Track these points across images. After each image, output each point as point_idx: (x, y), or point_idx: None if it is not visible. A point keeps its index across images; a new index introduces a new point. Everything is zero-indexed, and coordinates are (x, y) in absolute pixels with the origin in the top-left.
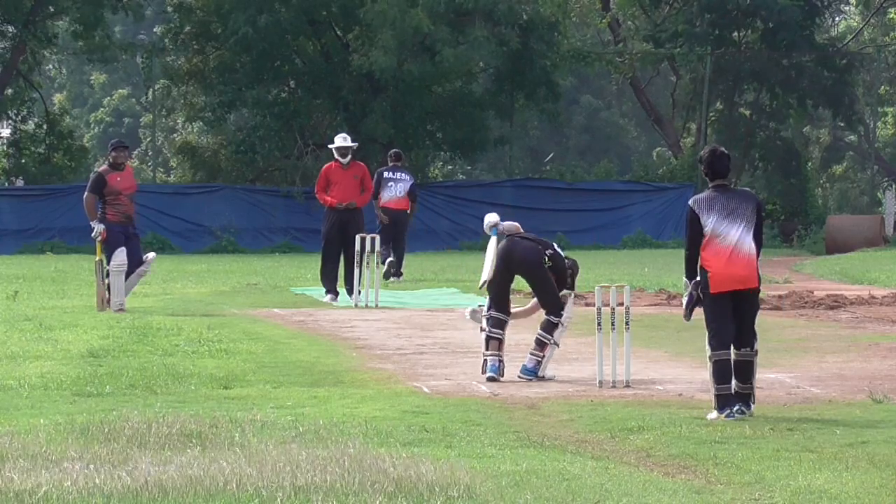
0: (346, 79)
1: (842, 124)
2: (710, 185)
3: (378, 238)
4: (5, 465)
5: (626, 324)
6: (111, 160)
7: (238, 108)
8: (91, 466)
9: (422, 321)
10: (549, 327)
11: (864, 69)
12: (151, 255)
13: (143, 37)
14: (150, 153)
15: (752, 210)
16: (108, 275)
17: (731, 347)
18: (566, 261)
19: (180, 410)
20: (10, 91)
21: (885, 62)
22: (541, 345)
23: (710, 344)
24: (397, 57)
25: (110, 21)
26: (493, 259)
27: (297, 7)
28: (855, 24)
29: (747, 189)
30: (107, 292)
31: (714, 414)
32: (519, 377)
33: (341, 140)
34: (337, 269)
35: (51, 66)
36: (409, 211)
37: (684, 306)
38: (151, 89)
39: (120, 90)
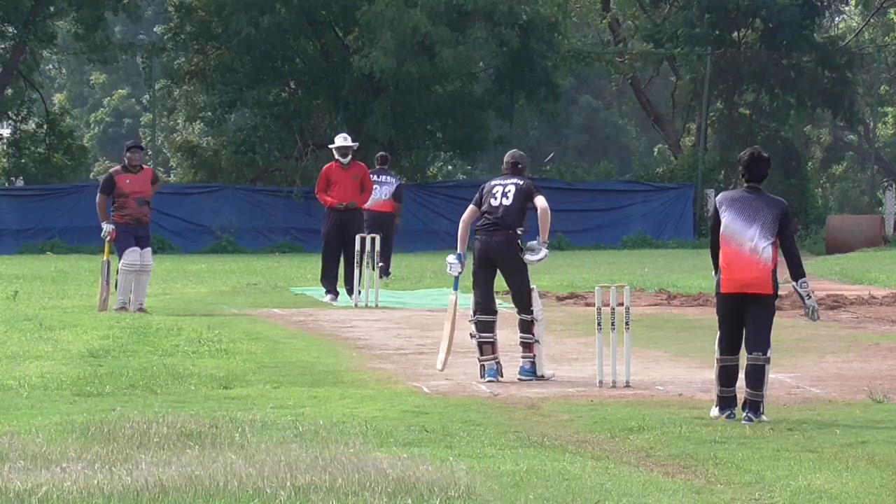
0: (346, 79)
1: (842, 124)
2: (743, 186)
3: (377, 239)
4: (5, 465)
5: (626, 324)
6: (126, 161)
7: (238, 108)
8: (91, 466)
9: (422, 321)
10: (526, 326)
11: (864, 69)
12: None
13: (143, 37)
14: (150, 153)
15: (775, 217)
16: (117, 272)
17: (744, 351)
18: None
19: (180, 410)
20: (10, 91)
21: (885, 62)
22: (527, 346)
23: (718, 346)
24: (397, 58)
25: (110, 21)
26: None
27: (298, 8)
28: (855, 24)
29: (779, 198)
30: (108, 293)
31: (715, 411)
32: (519, 379)
33: (342, 140)
34: (337, 269)
35: (51, 66)
36: (394, 213)
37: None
38: (152, 89)
39: (120, 90)
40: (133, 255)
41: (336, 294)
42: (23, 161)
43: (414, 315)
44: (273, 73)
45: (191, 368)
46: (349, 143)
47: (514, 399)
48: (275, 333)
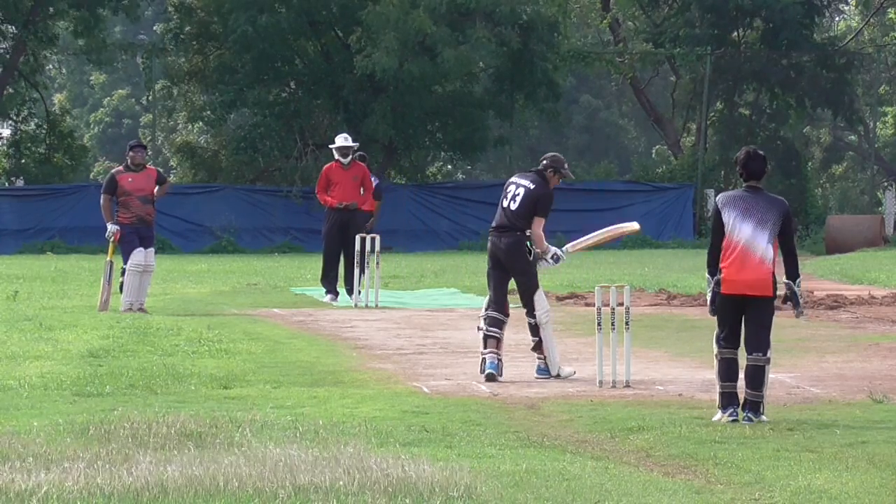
0: (347, 79)
1: (842, 124)
2: (742, 186)
3: (378, 238)
4: (5, 465)
5: (626, 324)
6: (128, 161)
7: (238, 108)
8: (91, 466)
9: (422, 321)
10: (533, 330)
11: (864, 69)
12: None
13: (143, 37)
14: (150, 153)
15: (777, 217)
16: (123, 273)
17: (743, 350)
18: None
19: (180, 410)
20: (10, 91)
21: (885, 62)
22: (537, 347)
23: (717, 342)
24: (399, 58)
25: (110, 21)
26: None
27: (298, 8)
28: (855, 24)
29: (780, 197)
30: (109, 293)
31: (718, 415)
32: (536, 377)
33: (342, 140)
34: (337, 269)
35: (51, 67)
36: (372, 212)
37: (708, 302)
38: (151, 89)
39: (120, 90)
40: (139, 255)
41: (336, 294)
42: (23, 161)
43: (414, 315)
44: (273, 72)
45: (191, 368)
46: (350, 143)
47: (514, 399)
48: (275, 333)
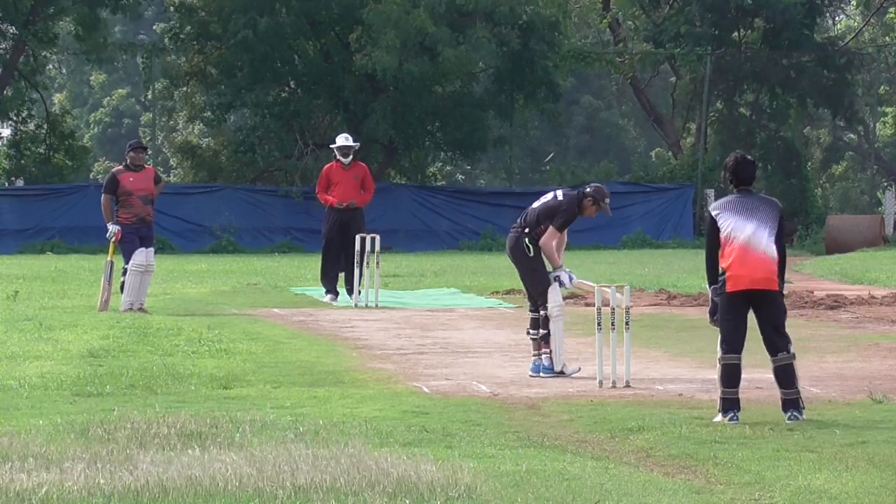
0: (347, 79)
1: (841, 124)
2: (734, 192)
3: (378, 238)
4: (6, 465)
5: (626, 324)
6: (128, 161)
7: (238, 108)
8: (91, 466)
9: (422, 321)
10: (542, 323)
11: (864, 69)
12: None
13: (143, 37)
14: (150, 153)
15: (774, 215)
16: (124, 273)
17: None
18: (561, 201)
19: (180, 410)
20: (10, 91)
21: (885, 62)
22: (544, 342)
23: (721, 346)
24: (399, 57)
25: (110, 21)
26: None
27: (298, 8)
28: (855, 24)
29: (772, 198)
30: (110, 293)
31: (719, 417)
32: (530, 375)
33: (343, 140)
34: (337, 269)
35: (51, 67)
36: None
37: (709, 313)
38: (151, 89)
39: (120, 90)
40: (141, 255)
41: (336, 294)
42: (23, 161)
43: (414, 315)
44: (273, 73)
45: (191, 368)
46: (350, 142)
47: (514, 399)
48: (275, 333)
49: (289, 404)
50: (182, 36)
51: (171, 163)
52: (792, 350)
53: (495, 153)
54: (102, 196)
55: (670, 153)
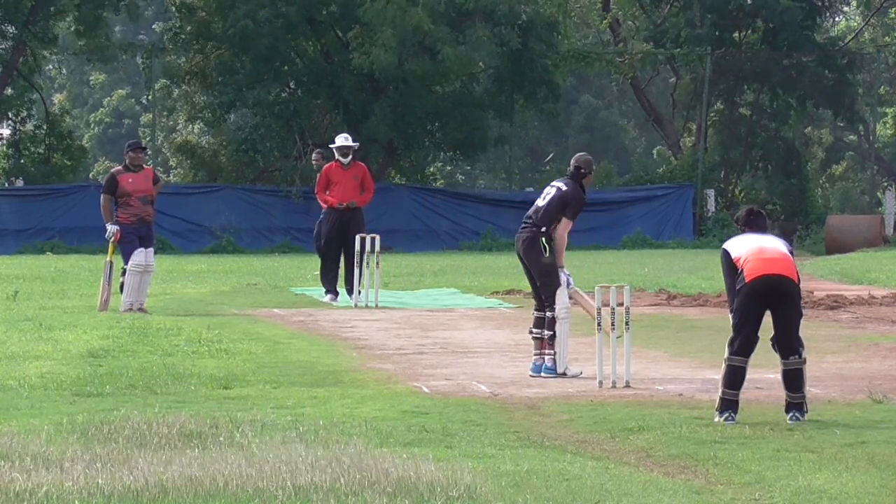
0: (347, 79)
1: (842, 124)
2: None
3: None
4: (5, 465)
5: (626, 324)
6: (126, 161)
7: (238, 108)
8: (91, 466)
9: (422, 321)
10: (549, 323)
11: (865, 69)
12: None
13: (143, 37)
14: (149, 153)
15: (785, 243)
16: (123, 273)
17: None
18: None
19: (180, 410)
20: (10, 91)
21: (885, 62)
22: (550, 342)
23: (729, 345)
24: (398, 56)
25: (110, 21)
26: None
27: (298, 7)
28: (855, 24)
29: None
30: (109, 293)
31: (716, 417)
32: (542, 376)
33: (343, 140)
34: (337, 269)
35: (51, 67)
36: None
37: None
38: (151, 89)
39: (120, 90)
40: (140, 255)
41: (336, 294)
42: (22, 162)
43: (414, 315)
44: (273, 72)
45: (191, 368)
46: (350, 142)
47: (514, 399)
48: (275, 333)
49: (289, 404)
50: (182, 36)
51: (171, 163)
52: (804, 355)
53: (495, 153)
54: (101, 196)
55: (670, 153)
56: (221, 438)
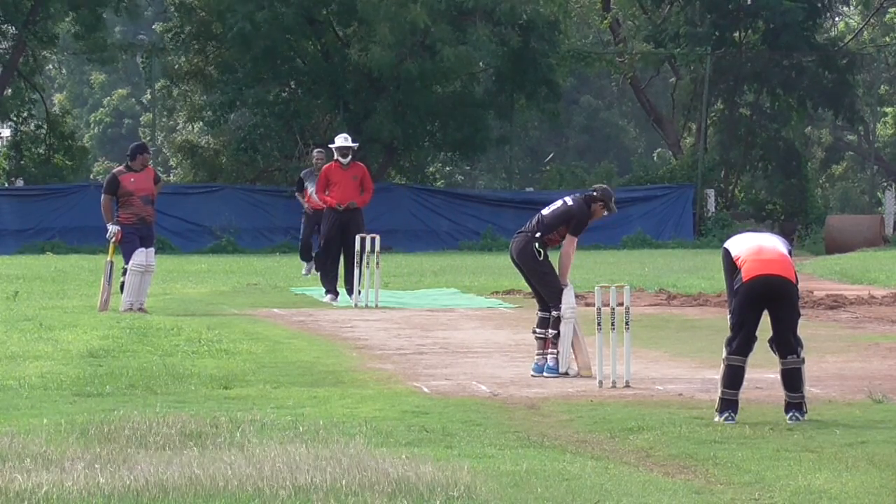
0: (347, 79)
1: (842, 124)
2: None
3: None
4: (6, 465)
5: (626, 324)
6: (136, 163)
7: (238, 107)
8: (91, 466)
9: (422, 321)
10: (553, 323)
11: (865, 69)
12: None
13: (143, 37)
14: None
15: (785, 240)
16: (123, 273)
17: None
18: (573, 206)
19: (180, 410)
20: (10, 91)
21: (885, 62)
22: (553, 342)
23: (727, 345)
24: (395, 53)
25: (110, 21)
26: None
27: (297, 6)
28: (855, 24)
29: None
30: (109, 293)
31: (716, 417)
32: (544, 376)
33: (342, 140)
34: (337, 269)
35: (51, 67)
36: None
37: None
38: (152, 89)
39: (120, 90)
40: (141, 255)
41: (336, 294)
42: (23, 162)
43: (414, 315)
44: (273, 72)
45: (191, 368)
46: (350, 143)
47: (514, 399)
48: (275, 333)
49: (289, 404)
50: (182, 36)
51: (171, 163)
52: (802, 354)
53: (495, 153)
54: (102, 196)
55: (671, 154)
56: (221, 438)
